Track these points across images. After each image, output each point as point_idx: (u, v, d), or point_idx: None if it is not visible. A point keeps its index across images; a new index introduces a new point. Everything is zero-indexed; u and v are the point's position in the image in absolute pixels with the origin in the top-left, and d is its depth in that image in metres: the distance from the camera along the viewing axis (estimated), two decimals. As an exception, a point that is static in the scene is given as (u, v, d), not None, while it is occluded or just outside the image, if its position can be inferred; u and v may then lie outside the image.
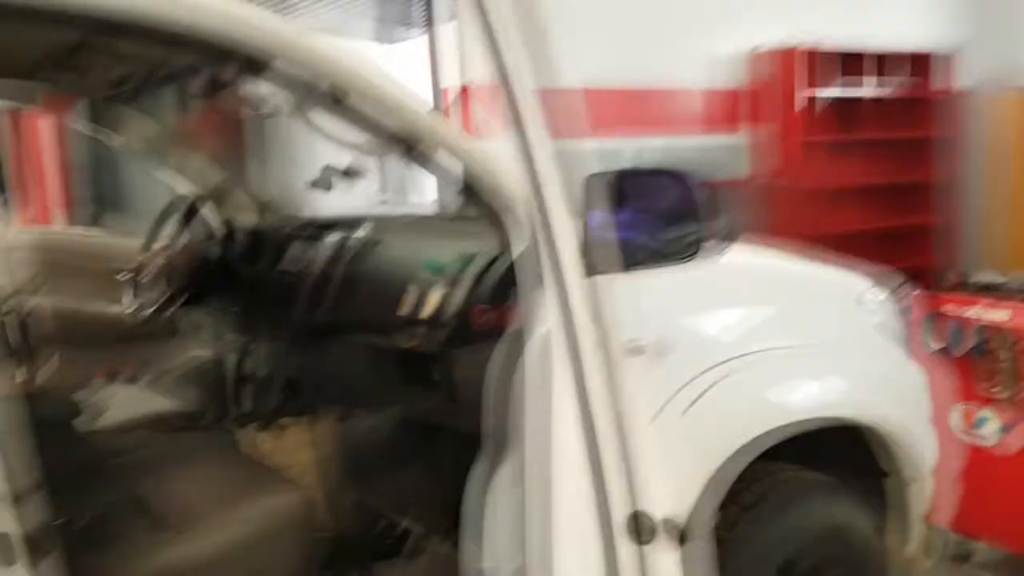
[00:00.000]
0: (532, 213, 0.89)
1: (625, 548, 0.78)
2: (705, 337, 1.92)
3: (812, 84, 5.53)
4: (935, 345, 3.09)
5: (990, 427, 3.01)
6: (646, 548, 0.78)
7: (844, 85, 5.80)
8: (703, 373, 1.89)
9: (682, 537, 1.58)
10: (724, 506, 1.93)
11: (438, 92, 4.76)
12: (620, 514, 0.80)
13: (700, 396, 1.86)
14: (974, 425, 3.07)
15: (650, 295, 1.85)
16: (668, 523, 0.82)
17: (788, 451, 2.19)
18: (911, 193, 6.25)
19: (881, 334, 2.30)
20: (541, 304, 0.87)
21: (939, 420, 3.14)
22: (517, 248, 1.35)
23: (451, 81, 4.71)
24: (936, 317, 3.11)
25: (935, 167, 6.23)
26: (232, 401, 2.44)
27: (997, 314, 2.95)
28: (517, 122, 0.89)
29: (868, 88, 5.87)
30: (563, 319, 0.87)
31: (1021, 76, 6.68)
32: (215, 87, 2.15)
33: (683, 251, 1.61)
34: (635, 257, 1.61)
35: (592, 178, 1.59)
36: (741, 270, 2.10)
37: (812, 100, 5.56)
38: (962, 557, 3.24)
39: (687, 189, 1.61)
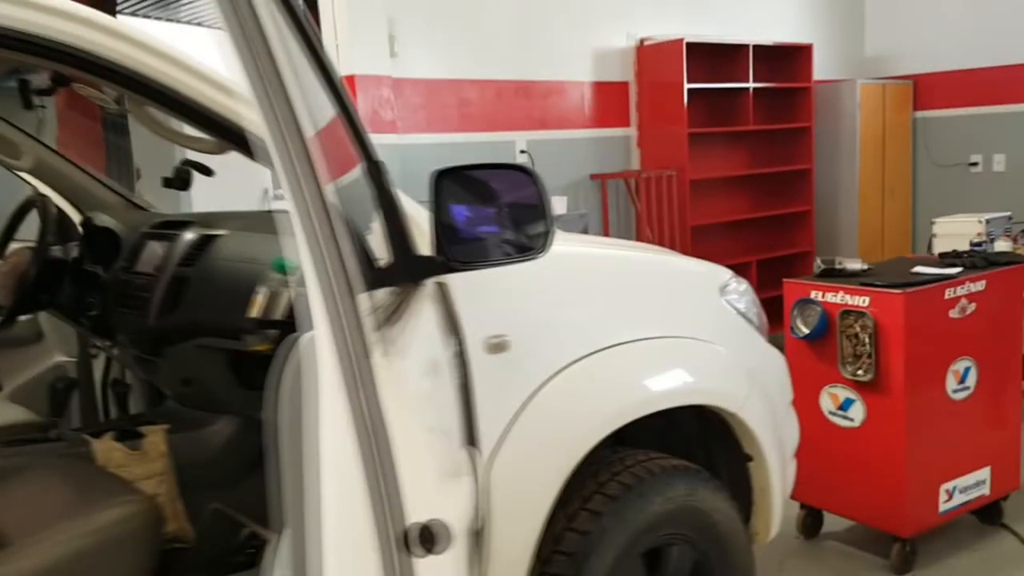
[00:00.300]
0: (297, 210, 0.86)
1: (403, 562, 0.77)
2: (561, 332, 1.93)
3: (693, 78, 5.66)
4: (804, 330, 3.21)
5: (856, 409, 3.14)
6: (424, 561, 0.77)
7: (722, 79, 5.96)
8: (564, 368, 1.90)
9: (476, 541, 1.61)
10: (588, 497, 1.96)
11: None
12: (398, 526, 0.79)
13: (559, 391, 1.88)
14: (841, 407, 3.19)
15: (506, 291, 1.87)
16: (447, 531, 0.80)
17: (656, 439, 2.26)
18: (786, 182, 6.50)
19: (742, 322, 2.36)
20: (310, 305, 0.85)
21: (807, 402, 3.28)
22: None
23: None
24: (804, 303, 3.22)
25: (809, 156, 6.49)
26: (89, 410, 2.34)
27: (859, 300, 3.07)
28: (273, 123, 0.86)
29: (744, 81, 6.04)
30: (329, 321, 0.85)
31: (869, 68, 7.07)
32: (57, 83, 2.05)
33: (530, 246, 1.62)
34: (482, 253, 1.60)
35: (437, 174, 1.57)
36: (599, 265, 2.13)
37: (692, 94, 5.68)
38: (813, 532, 3.38)
39: (530, 184, 1.61)
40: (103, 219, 2.52)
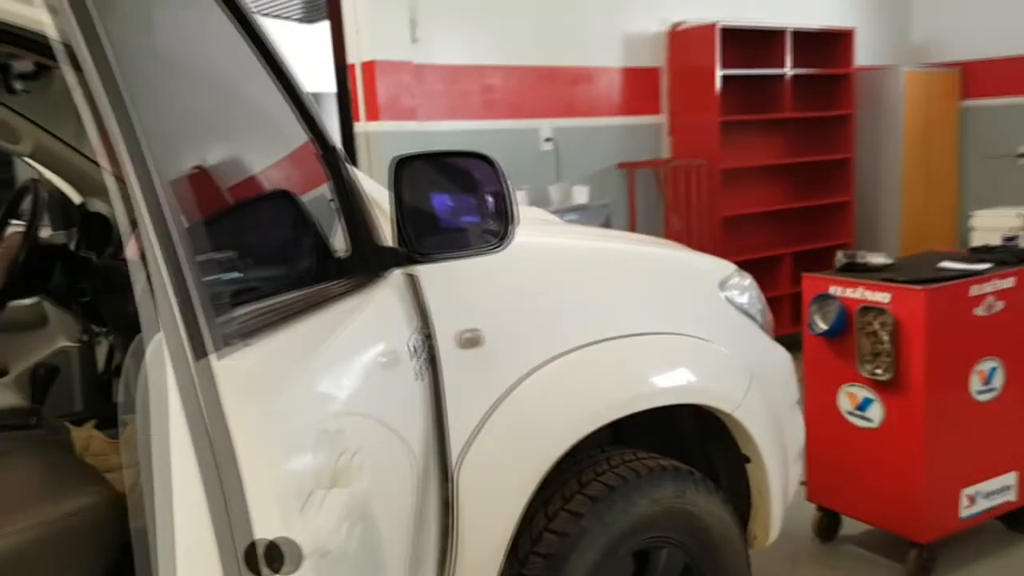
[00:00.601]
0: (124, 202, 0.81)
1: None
2: (539, 327, 1.86)
3: (728, 63, 5.51)
4: (821, 326, 3.09)
5: (874, 409, 3.02)
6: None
7: (758, 65, 5.79)
8: (540, 365, 1.83)
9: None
10: (568, 497, 1.89)
11: (343, 69, 4.63)
12: (241, 542, 0.73)
13: (534, 388, 1.81)
14: (859, 407, 3.07)
15: (482, 284, 1.80)
16: (295, 551, 0.75)
17: (654, 439, 2.18)
18: (825, 172, 6.30)
19: (743, 318, 2.26)
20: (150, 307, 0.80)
21: (825, 402, 3.16)
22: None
23: (355, 58, 4.59)
24: (822, 299, 3.10)
25: (849, 145, 6.28)
26: (78, 396, 2.34)
27: (879, 296, 2.95)
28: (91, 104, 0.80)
29: (782, 68, 5.86)
30: (164, 324, 0.79)
31: (915, 55, 6.80)
32: (41, 68, 2.04)
33: (492, 238, 1.55)
34: (444, 244, 1.54)
35: (396, 161, 1.52)
36: (583, 258, 2.05)
37: (727, 80, 5.53)
38: (842, 537, 3.26)
39: (492, 173, 1.54)
40: (97, 205, 2.51)
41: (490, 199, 1.54)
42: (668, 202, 5.59)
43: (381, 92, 4.57)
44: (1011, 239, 3.50)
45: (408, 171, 1.52)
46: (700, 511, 2.07)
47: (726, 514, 2.13)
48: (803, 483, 3.18)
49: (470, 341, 1.76)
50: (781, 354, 2.38)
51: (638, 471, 1.98)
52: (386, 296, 1.52)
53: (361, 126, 4.60)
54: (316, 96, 4.49)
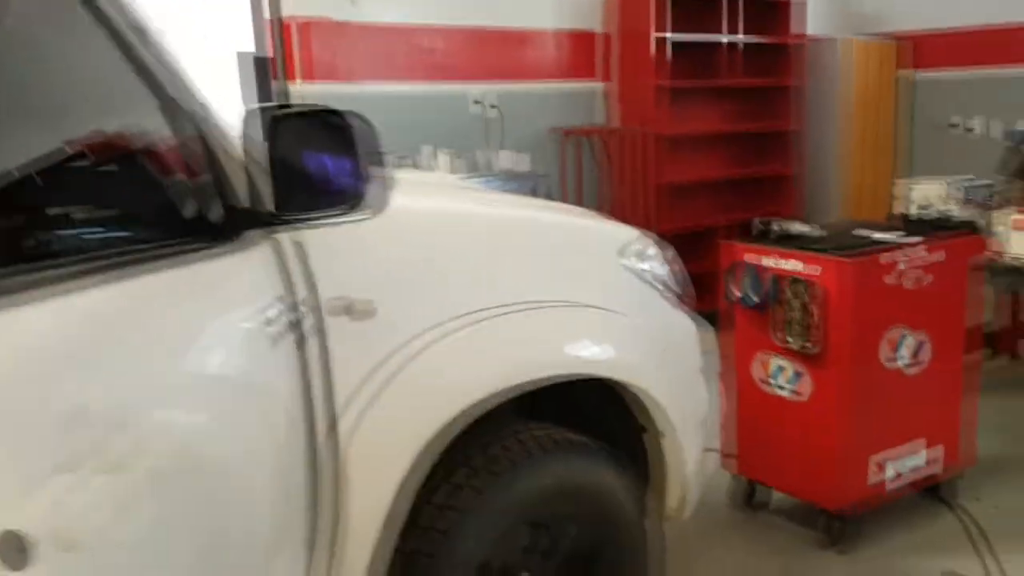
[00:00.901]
0: None
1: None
2: (426, 297, 1.79)
3: (664, 28, 5.43)
4: (736, 294, 3.07)
5: (785, 376, 3.01)
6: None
7: (697, 31, 5.72)
8: (426, 336, 1.77)
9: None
10: (454, 471, 1.84)
11: (275, 25, 4.47)
12: None
13: (414, 360, 1.74)
14: (771, 374, 3.06)
15: (366, 252, 1.73)
16: (20, 543, 0.68)
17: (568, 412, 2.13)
18: (765, 142, 6.27)
19: (644, 286, 2.22)
20: None
21: (742, 371, 3.15)
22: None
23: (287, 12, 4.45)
24: (737, 267, 3.08)
25: (789, 115, 6.25)
26: None
27: (790, 264, 2.93)
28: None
29: (722, 34, 5.80)
30: None
31: (865, 25, 6.78)
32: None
33: (351, 201, 1.47)
34: (303, 205, 1.46)
35: (251, 114, 1.43)
36: (474, 224, 1.98)
37: (663, 45, 5.46)
38: (758, 505, 3.26)
39: (358, 131, 1.46)
40: None
41: (345, 158, 1.46)
42: (606, 170, 5.53)
43: (315, 54, 4.44)
44: (926, 207, 3.50)
45: (283, 128, 1.43)
46: (603, 486, 2.05)
47: (627, 487, 2.10)
48: (717, 451, 3.18)
49: (353, 309, 1.69)
50: (685, 322, 2.34)
51: (525, 444, 1.94)
52: (237, 261, 1.44)
53: (291, 86, 4.46)
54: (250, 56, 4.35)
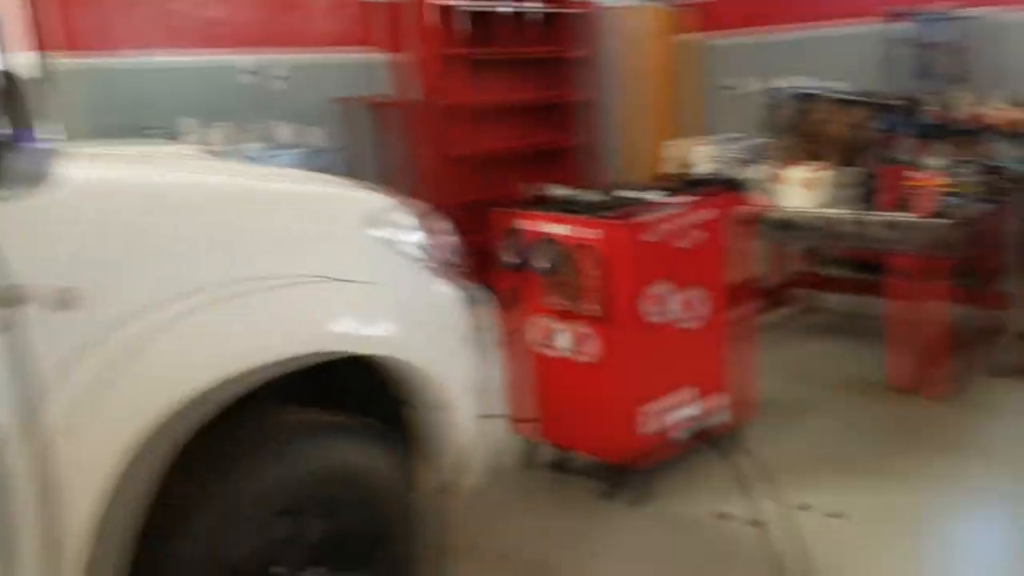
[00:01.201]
0: None
1: None
2: (131, 276, 1.63)
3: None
4: (512, 260, 3.06)
5: (563, 339, 3.04)
6: None
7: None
8: (132, 320, 1.61)
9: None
10: (192, 459, 1.70)
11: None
12: None
13: (128, 347, 1.59)
14: (550, 338, 3.08)
15: (66, 231, 1.55)
16: None
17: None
18: (554, 112, 6.34)
19: (398, 256, 2.14)
20: None
21: (521, 335, 3.16)
22: None
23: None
24: (509, 233, 3.07)
25: (577, 85, 6.35)
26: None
27: (561, 229, 2.95)
28: None
29: (506, 3, 5.78)
30: None
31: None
32: None
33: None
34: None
35: None
36: (195, 196, 1.83)
37: (448, 13, 5.38)
38: (555, 466, 3.29)
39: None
40: None
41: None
42: (397, 143, 5.41)
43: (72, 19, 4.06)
44: (695, 167, 3.63)
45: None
46: (366, 466, 1.98)
47: (399, 465, 2.04)
48: (504, 418, 3.18)
49: (53, 296, 1.51)
50: (449, 292, 2.28)
51: (296, 429, 1.88)
52: None
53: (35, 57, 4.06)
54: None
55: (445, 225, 2.33)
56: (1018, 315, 4.17)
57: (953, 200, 3.61)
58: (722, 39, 6.88)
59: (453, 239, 2.33)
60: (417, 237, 2.22)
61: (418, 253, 2.21)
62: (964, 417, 3.65)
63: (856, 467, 3.27)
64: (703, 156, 4.32)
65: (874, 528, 2.84)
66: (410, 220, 2.23)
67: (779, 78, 4.56)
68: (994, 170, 3.85)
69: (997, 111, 3.58)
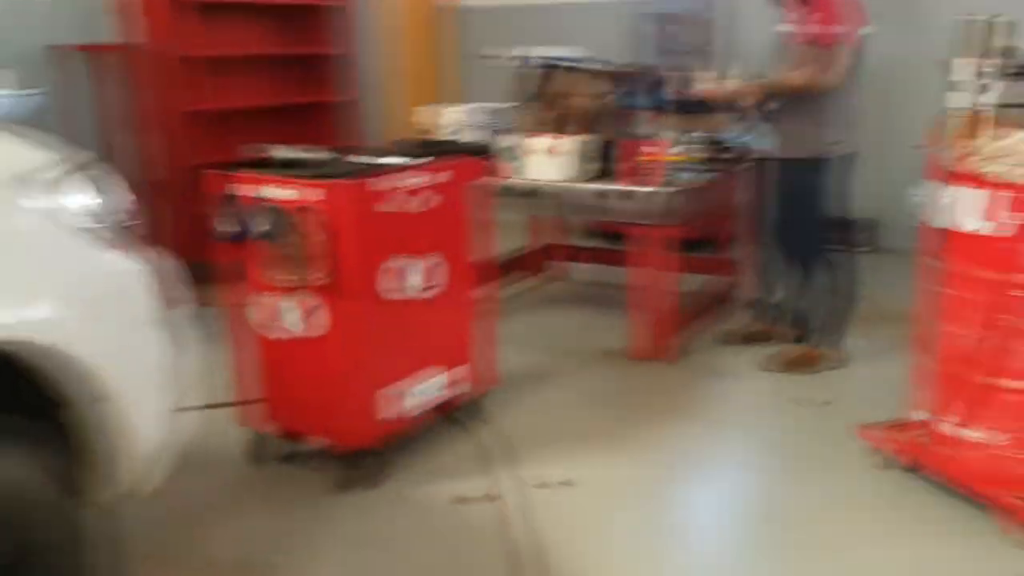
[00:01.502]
0: None
1: None
2: None
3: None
4: (229, 229, 2.76)
5: (291, 317, 2.79)
6: None
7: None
8: None
9: None
10: None
11: None
12: None
13: None
14: (277, 316, 2.82)
15: None
16: None
17: None
18: (311, 68, 5.98)
19: (53, 223, 1.80)
20: None
21: (242, 314, 2.88)
22: None
23: None
24: (228, 198, 2.76)
25: (332, 41, 6.00)
26: None
27: (286, 193, 2.68)
28: None
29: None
30: None
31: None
32: None
33: None
34: None
35: None
36: None
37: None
38: (286, 458, 3.03)
39: None
40: None
41: None
42: (123, 95, 4.86)
43: None
44: (440, 131, 3.48)
45: None
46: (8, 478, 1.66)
47: (55, 472, 1.73)
48: (204, 409, 2.86)
49: None
50: (126, 266, 1.96)
51: None
52: None
53: None
54: None
55: (121, 184, 2.00)
56: (746, 283, 4.38)
57: (681, 172, 3.69)
58: (477, 3, 6.78)
59: (130, 201, 2.01)
60: (84, 201, 1.89)
61: (84, 219, 1.88)
62: (695, 383, 3.77)
63: (588, 436, 3.28)
64: (452, 122, 4.17)
65: (602, 499, 2.84)
66: (76, 182, 1.90)
67: (531, 46, 4.49)
68: (718, 143, 4.00)
69: (719, 85, 3.68)
